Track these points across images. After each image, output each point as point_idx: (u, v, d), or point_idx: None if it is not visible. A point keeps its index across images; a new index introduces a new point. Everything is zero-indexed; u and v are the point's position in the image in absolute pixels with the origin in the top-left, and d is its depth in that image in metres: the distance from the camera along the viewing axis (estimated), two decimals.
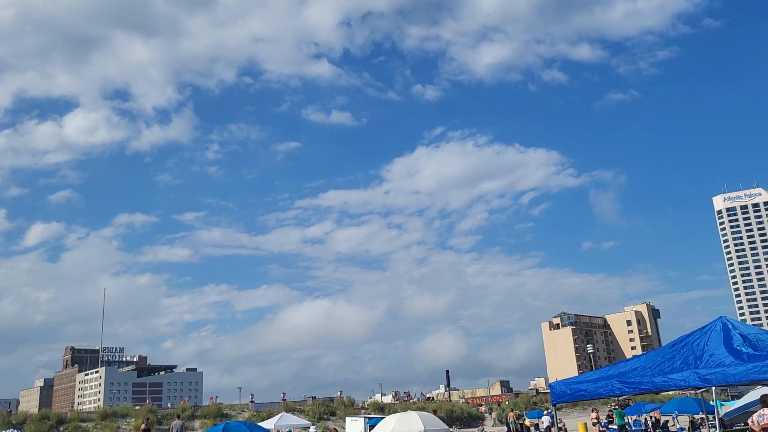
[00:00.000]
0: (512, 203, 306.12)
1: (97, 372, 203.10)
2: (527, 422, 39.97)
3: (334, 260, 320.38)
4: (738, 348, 8.80)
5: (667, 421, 37.06)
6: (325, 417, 55.78)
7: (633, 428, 34.54)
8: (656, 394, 34.74)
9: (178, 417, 31.12)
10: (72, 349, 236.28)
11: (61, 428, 46.35)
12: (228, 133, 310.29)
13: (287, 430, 32.48)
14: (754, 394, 21.93)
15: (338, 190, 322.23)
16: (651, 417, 38.18)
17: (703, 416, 31.44)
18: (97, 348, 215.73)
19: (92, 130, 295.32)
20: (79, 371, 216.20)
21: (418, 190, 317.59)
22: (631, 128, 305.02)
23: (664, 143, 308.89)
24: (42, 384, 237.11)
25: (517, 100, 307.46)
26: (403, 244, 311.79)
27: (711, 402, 21.26)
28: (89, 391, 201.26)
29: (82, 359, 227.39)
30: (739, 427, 24.77)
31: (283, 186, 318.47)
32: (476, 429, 47.32)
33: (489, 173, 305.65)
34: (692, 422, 30.68)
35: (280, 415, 31.66)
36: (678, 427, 37.66)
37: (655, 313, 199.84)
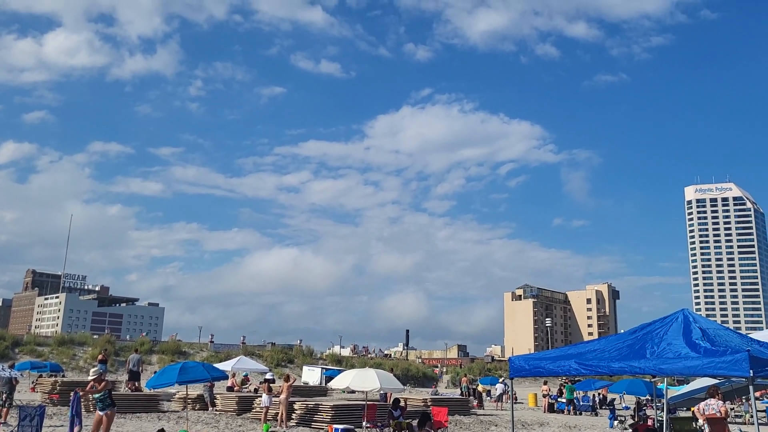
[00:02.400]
0: (490, 172, 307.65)
1: (57, 297, 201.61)
2: (480, 388, 40.86)
3: (308, 210, 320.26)
4: (696, 341, 8.95)
5: (613, 400, 38.23)
6: (283, 364, 56.38)
7: (581, 403, 35.58)
8: (611, 377, 35.80)
9: (136, 351, 31.06)
10: (33, 272, 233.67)
11: (17, 350, 46.06)
12: (213, 71, 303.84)
13: (244, 373, 32.69)
14: (700, 382, 22.63)
15: (319, 140, 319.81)
16: (599, 394, 39.37)
17: (648, 398, 32.52)
18: (60, 273, 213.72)
19: (73, 52, 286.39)
20: (39, 295, 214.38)
21: (399, 149, 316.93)
22: (616, 111, 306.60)
23: (644, 129, 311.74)
24: (0, 304, 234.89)
25: (507, 70, 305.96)
26: (378, 202, 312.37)
27: (659, 385, 21.90)
28: (48, 316, 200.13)
29: (43, 283, 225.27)
30: (682, 412, 25.73)
31: (263, 131, 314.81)
32: (430, 389, 48.29)
33: (471, 140, 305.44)
34: (638, 403, 31.65)
35: (238, 358, 31.77)
36: (624, 406, 38.89)
37: (615, 294, 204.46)
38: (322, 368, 45.83)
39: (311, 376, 44.35)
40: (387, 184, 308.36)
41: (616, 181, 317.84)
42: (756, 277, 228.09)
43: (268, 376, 21.47)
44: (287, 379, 20.17)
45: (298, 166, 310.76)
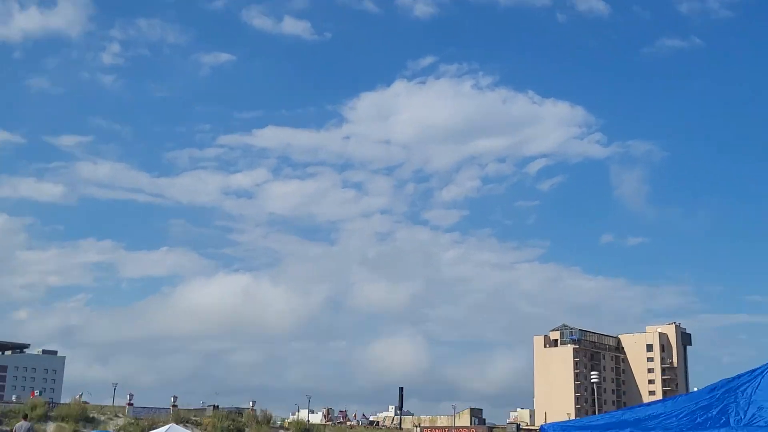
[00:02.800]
0: (515, 171, 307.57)
1: None
2: None
3: (265, 223, 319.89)
4: None
5: None
6: None
7: None
8: None
9: (26, 417, 30.86)
10: None
11: None
12: (135, 31, 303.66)
13: None
14: None
15: (280, 126, 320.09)
16: None
17: None
18: None
19: None
20: None
21: (390, 139, 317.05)
22: (686, 88, 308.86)
23: (726, 112, 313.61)
24: None
25: (539, 32, 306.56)
26: (361, 211, 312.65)
27: None
28: None
29: None
30: None
31: (204, 113, 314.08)
32: None
33: (489, 127, 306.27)
34: None
35: (167, 426, 31.78)
36: None
37: (685, 339, 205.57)
38: None
39: None
40: (374, 187, 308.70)
41: (685, 183, 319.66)
42: None
43: None
44: None
45: (252, 162, 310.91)
